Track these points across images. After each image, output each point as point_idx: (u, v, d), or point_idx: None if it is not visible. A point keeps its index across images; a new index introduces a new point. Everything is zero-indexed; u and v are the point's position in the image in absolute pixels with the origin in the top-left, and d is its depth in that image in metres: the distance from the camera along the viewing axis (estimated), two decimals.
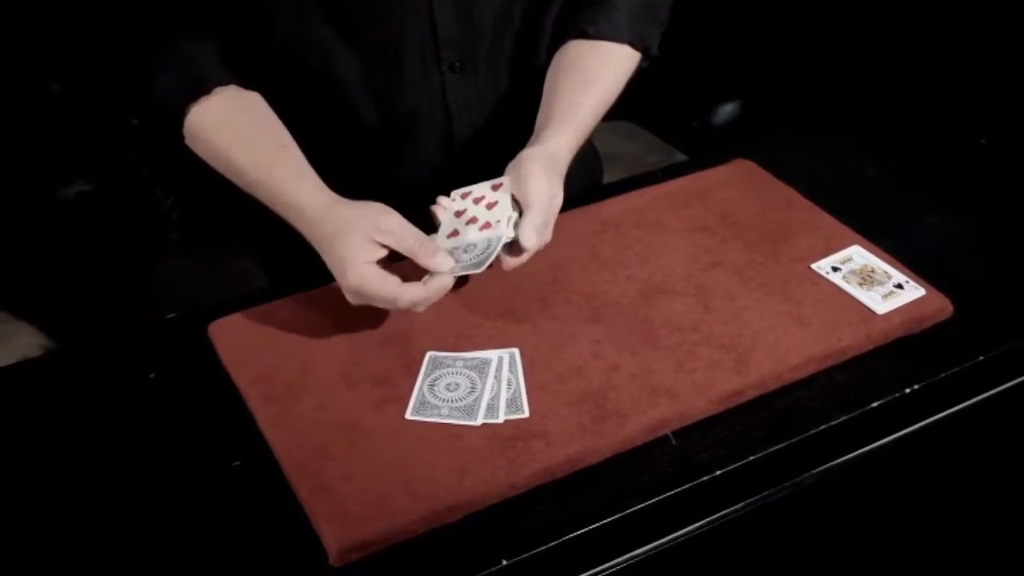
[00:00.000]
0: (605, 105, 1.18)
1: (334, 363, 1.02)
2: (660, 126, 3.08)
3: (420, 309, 1.02)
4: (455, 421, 0.95)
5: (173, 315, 1.13)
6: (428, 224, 1.06)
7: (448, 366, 1.01)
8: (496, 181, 1.06)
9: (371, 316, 1.06)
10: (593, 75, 1.17)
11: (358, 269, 0.99)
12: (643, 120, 3.07)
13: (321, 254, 1.03)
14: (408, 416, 0.96)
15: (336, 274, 1.01)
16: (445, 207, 1.07)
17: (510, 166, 1.07)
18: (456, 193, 1.08)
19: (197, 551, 0.87)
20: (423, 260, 1.00)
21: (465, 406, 0.96)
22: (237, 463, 0.95)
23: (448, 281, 1.01)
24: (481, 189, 1.07)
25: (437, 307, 1.07)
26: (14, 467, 0.96)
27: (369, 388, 0.99)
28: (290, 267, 1.23)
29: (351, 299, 1.02)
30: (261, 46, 1.14)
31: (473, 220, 1.05)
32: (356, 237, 1.00)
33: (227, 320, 1.08)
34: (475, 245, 1.02)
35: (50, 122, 2.28)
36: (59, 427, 1.00)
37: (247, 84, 1.13)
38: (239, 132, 1.11)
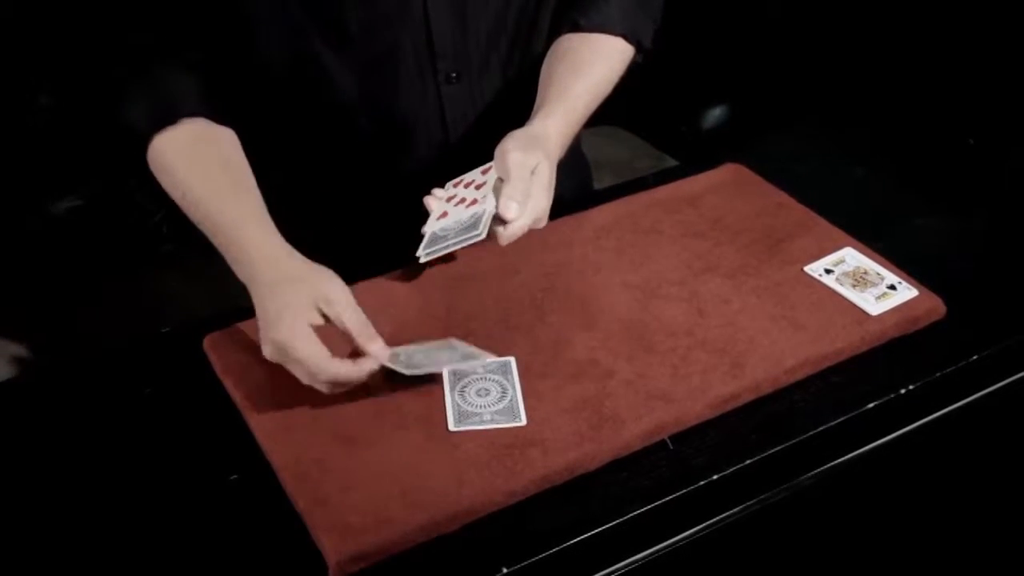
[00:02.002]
0: (598, 94, 1.18)
1: None
2: (649, 131, 3.08)
3: (335, 391, 0.97)
4: (500, 425, 0.95)
5: (167, 329, 1.13)
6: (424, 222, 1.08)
7: (471, 374, 1.01)
8: (485, 166, 1.07)
9: None
10: (585, 63, 1.18)
11: (293, 325, 0.94)
12: (632, 125, 3.08)
13: (255, 297, 1.00)
14: (452, 428, 0.95)
15: (263, 323, 0.97)
16: (438, 196, 1.08)
17: (497, 148, 1.06)
18: (449, 183, 1.10)
19: (196, 565, 0.87)
20: (362, 342, 0.96)
21: (504, 408, 0.97)
22: (235, 476, 0.94)
23: (374, 366, 0.96)
24: (471, 175, 1.08)
25: (432, 316, 1.08)
26: (10, 483, 0.96)
27: (366, 399, 0.99)
28: None
29: (267, 352, 0.97)
30: (254, 61, 1.13)
31: (462, 201, 1.06)
32: (302, 295, 0.96)
33: (222, 333, 1.08)
34: (463, 226, 1.03)
35: (39, 137, 2.28)
36: (55, 443, 1.00)
37: (224, 116, 1.11)
38: (199, 164, 1.09)
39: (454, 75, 1.17)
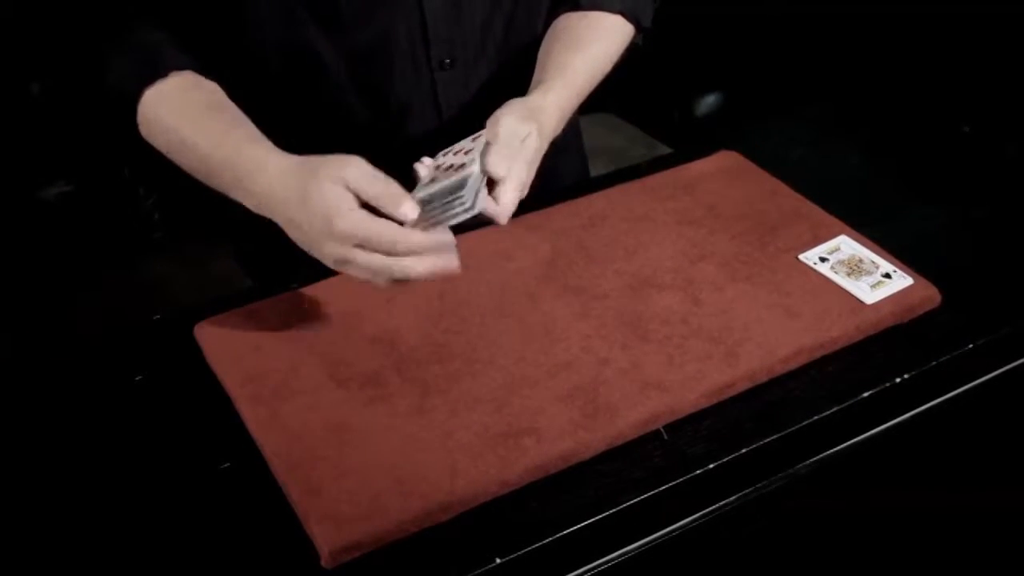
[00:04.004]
0: (597, 70, 1.16)
1: (322, 363, 1.01)
2: (642, 118, 3.08)
3: (419, 269, 0.92)
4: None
5: (158, 316, 1.12)
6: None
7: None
8: (476, 134, 1.03)
9: (359, 314, 1.06)
10: (584, 39, 1.16)
11: (346, 216, 0.90)
12: (625, 113, 3.08)
13: (286, 216, 0.95)
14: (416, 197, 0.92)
15: (316, 237, 0.93)
16: (426, 164, 1.02)
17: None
18: (439, 152, 1.04)
19: (187, 554, 0.87)
20: (389, 207, 0.91)
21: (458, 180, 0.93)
22: (226, 465, 0.94)
23: (449, 239, 0.93)
24: (461, 143, 1.03)
25: (425, 303, 1.07)
26: (0, 472, 0.95)
27: (358, 387, 0.98)
28: (274, 270, 1.22)
29: (333, 256, 0.92)
30: (246, 46, 1.13)
31: (451, 168, 1.00)
32: (331, 184, 0.91)
33: (213, 321, 1.07)
34: (448, 188, 0.96)
35: (29, 123, 2.27)
36: (45, 431, 0.99)
37: (207, 72, 1.09)
38: (191, 108, 1.06)
39: (448, 61, 1.16)
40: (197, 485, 0.92)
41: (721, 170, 1.27)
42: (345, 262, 0.93)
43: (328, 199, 0.92)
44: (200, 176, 1.06)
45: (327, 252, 0.93)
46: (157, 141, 1.08)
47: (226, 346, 1.04)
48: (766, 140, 1.37)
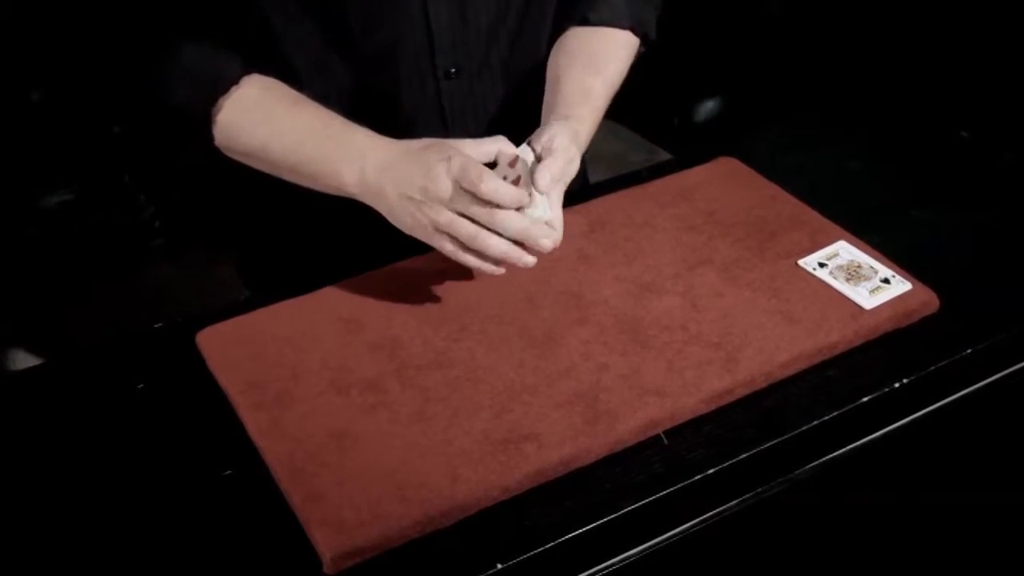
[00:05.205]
0: (613, 91, 1.18)
1: (324, 369, 1.02)
2: (642, 124, 3.09)
3: (499, 247, 1.00)
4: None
5: (160, 324, 1.12)
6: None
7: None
8: (510, 156, 1.04)
9: (360, 322, 1.06)
10: (601, 60, 1.18)
11: (457, 157, 0.98)
12: (625, 118, 3.08)
13: (399, 192, 1.01)
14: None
15: (421, 181, 0.99)
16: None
17: (534, 134, 1.06)
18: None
19: (190, 561, 0.87)
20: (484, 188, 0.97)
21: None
22: (228, 472, 0.94)
23: (542, 214, 1.01)
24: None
25: (425, 310, 1.08)
26: (3, 479, 0.96)
27: (359, 394, 0.99)
28: (275, 280, 1.23)
29: (440, 224, 1.00)
30: (257, 56, 1.13)
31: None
32: (441, 156, 0.99)
33: (215, 328, 1.07)
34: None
35: (30, 131, 2.27)
36: (47, 439, 1.00)
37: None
38: (279, 104, 1.09)
39: (453, 71, 1.17)
40: (199, 492, 0.93)
41: (720, 176, 1.28)
42: (449, 224, 0.99)
43: (446, 150, 1.00)
44: (287, 167, 1.09)
45: (432, 216, 0.99)
46: (239, 144, 1.10)
47: (228, 353, 1.04)
48: (765, 146, 1.37)
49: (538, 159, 1.02)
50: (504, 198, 0.98)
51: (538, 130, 1.06)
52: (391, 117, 1.17)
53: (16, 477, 0.96)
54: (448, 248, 1.02)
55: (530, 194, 1.00)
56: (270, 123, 1.09)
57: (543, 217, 1.01)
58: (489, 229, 1.00)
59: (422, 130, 1.18)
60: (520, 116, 1.13)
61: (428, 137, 1.07)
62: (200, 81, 1.08)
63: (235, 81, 1.08)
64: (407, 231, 1.04)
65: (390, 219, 1.05)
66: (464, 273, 1.11)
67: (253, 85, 1.09)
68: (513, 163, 1.02)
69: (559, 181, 1.03)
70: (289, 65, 1.13)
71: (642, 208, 1.22)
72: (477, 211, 0.99)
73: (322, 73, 1.14)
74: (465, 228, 0.99)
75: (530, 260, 1.02)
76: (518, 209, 1.00)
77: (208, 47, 1.09)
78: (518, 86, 1.20)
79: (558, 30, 1.21)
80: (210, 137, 1.10)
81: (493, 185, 0.97)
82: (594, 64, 1.17)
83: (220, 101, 1.08)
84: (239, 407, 0.99)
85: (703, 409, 0.98)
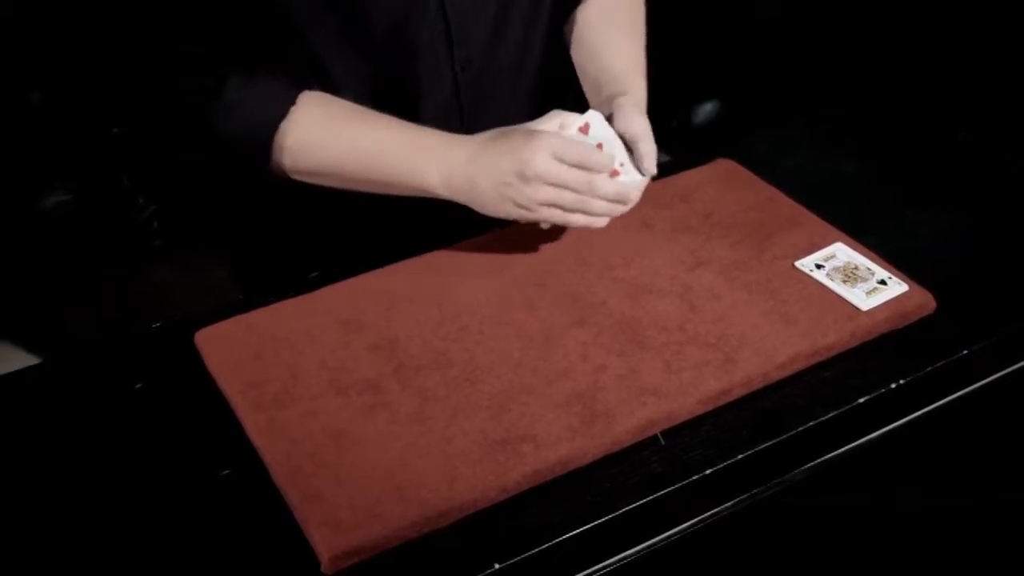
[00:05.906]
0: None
1: (322, 370, 1.02)
2: None
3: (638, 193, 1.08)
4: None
5: (158, 324, 1.12)
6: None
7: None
8: (576, 128, 1.09)
9: (359, 322, 1.06)
10: (639, 24, 1.24)
11: (545, 136, 1.02)
12: None
13: (481, 168, 1.04)
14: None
15: (515, 166, 1.02)
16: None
17: (606, 109, 1.11)
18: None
19: (188, 561, 0.87)
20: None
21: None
22: (226, 472, 0.94)
23: (635, 179, 1.09)
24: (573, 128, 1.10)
25: (424, 311, 1.08)
26: (1, 480, 0.96)
27: (358, 394, 0.99)
28: (267, 280, 1.23)
29: (541, 202, 1.04)
30: (320, 74, 1.13)
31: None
32: (530, 139, 1.03)
33: (213, 328, 1.07)
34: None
35: (28, 132, 2.27)
36: (45, 440, 1.00)
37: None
38: (343, 117, 1.10)
39: (470, 62, 1.17)
40: (197, 492, 0.93)
41: (718, 178, 1.28)
42: (553, 198, 1.04)
43: (527, 129, 1.05)
44: (362, 180, 1.10)
45: (532, 195, 1.03)
46: (310, 164, 1.11)
47: (226, 353, 1.04)
48: (763, 148, 1.37)
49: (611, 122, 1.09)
50: (596, 164, 1.04)
51: (611, 111, 1.10)
52: (408, 110, 1.17)
53: (15, 477, 0.96)
54: (556, 216, 1.06)
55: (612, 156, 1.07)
56: (340, 139, 1.09)
57: (633, 181, 1.10)
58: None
59: (438, 123, 1.18)
60: (537, 107, 1.13)
61: (445, 131, 1.08)
62: (258, 105, 1.08)
63: (292, 102, 1.08)
64: (502, 216, 1.07)
65: (482, 209, 1.07)
66: (464, 274, 1.12)
67: (312, 104, 1.10)
68: (584, 130, 1.07)
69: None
70: (322, 71, 1.14)
71: (640, 209, 1.22)
72: (576, 180, 1.03)
73: (346, 74, 1.14)
74: (568, 197, 1.04)
75: (624, 209, 1.09)
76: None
77: (258, 72, 1.09)
78: (535, 77, 1.21)
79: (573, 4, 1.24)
80: (267, 161, 1.10)
81: (586, 153, 1.03)
82: (634, 31, 1.22)
83: (282, 126, 1.08)
84: (237, 407, 0.99)
85: (700, 410, 0.98)
